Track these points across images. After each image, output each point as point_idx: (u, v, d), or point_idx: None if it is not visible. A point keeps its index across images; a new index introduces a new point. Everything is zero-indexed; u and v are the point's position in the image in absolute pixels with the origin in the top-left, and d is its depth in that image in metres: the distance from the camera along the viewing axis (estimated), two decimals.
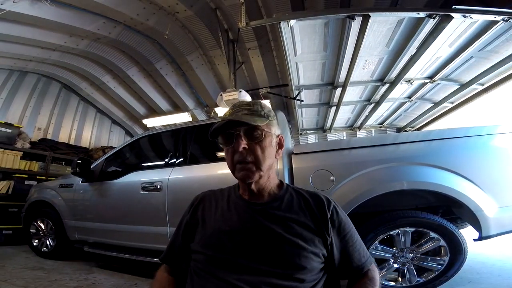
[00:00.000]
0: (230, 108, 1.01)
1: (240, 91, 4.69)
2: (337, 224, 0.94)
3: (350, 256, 0.94)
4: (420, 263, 2.17)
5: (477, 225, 2.01)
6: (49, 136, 6.51)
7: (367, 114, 5.86)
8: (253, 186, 0.95)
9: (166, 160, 2.96)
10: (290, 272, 0.84)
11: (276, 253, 0.86)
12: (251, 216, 0.94)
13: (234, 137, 0.92)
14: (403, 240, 2.14)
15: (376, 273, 0.95)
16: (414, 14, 2.82)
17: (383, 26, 3.04)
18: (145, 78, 6.41)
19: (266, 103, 5.73)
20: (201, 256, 0.92)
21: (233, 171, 0.95)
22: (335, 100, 5.00)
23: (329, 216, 0.93)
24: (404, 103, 5.29)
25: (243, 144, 0.90)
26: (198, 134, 2.93)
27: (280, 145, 1.02)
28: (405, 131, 6.63)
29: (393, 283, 2.21)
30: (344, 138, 7.04)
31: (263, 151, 0.92)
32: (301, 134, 7.14)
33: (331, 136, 7.25)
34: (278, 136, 1.01)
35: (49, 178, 5.24)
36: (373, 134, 6.94)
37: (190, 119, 7.09)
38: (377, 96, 4.93)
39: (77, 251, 3.35)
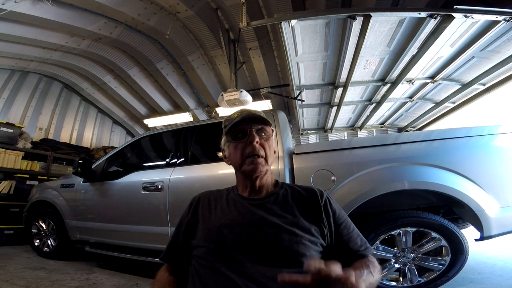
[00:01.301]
0: (237, 112, 1.08)
1: (241, 91, 4.69)
2: (331, 214, 0.99)
3: (347, 244, 0.97)
4: (421, 263, 2.17)
5: (478, 225, 2.01)
6: (50, 136, 6.53)
7: (368, 114, 5.85)
8: (258, 181, 1.02)
9: (167, 160, 2.97)
10: (290, 260, 0.87)
11: (275, 242, 0.89)
12: (249, 210, 0.99)
13: (248, 132, 1.01)
14: (404, 240, 2.14)
15: (375, 262, 0.96)
16: (415, 14, 2.81)
17: (384, 26, 3.03)
18: (146, 78, 6.42)
19: (267, 103, 5.77)
20: (203, 249, 0.95)
21: (241, 165, 1.01)
22: (336, 100, 4.99)
23: (322, 206, 0.98)
24: (405, 103, 5.29)
25: (257, 138, 0.99)
26: (199, 134, 2.94)
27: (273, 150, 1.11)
28: (407, 131, 6.62)
29: (394, 283, 2.21)
30: (345, 138, 7.04)
31: (270, 149, 1.03)
32: (302, 134, 7.14)
33: (332, 136, 7.25)
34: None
35: (50, 178, 5.26)
36: (374, 134, 6.93)
37: (191, 119, 7.10)
38: (378, 96, 4.92)
39: (78, 251, 3.36)
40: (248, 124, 1.02)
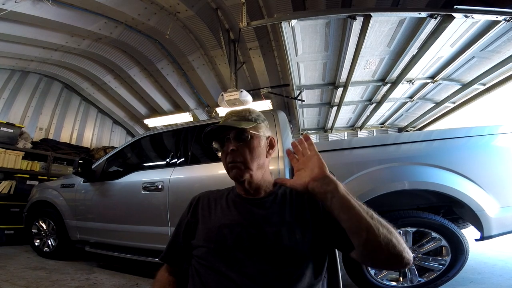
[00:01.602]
0: (223, 117, 1.09)
1: (241, 91, 4.69)
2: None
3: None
4: (421, 263, 2.17)
5: (478, 225, 2.01)
6: (50, 136, 6.53)
7: (368, 114, 5.85)
8: (246, 184, 1.01)
9: (167, 160, 2.97)
10: (290, 259, 0.86)
11: (275, 241, 0.89)
12: (249, 210, 0.99)
13: (225, 141, 1.01)
14: (404, 240, 2.13)
15: None
16: (415, 14, 2.81)
17: (384, 26, 3.03)
18: (146, 78, 6.42)
19: (268, 103, 5.76)
20: (203, 249, 0.95)
21: (227, 172, 1.02)
22: (336, 100, 4.99)
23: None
24: (405, 103, 5.28)
25: (232, 146, 0.99)
26: (199, 134, 2.93)
27: (271, 145, 1.09)
28: (407, 131, 6.62)
29: (394, 283, 2.21)
30: (345, 138, 7.04)
31: (251, 152, 1.00)
32: (302, 134, 7.13)
33: (332, 136, 7.26)
34: (268, 137, 1.08)
35: (50, 178, 5.27)
36: (374, 134, 6.93)
37: (191, 119, 7.10)
38: (379, 96, 4.92)
39: (78, 251, 3.36)
40: (226, 132, 1.02)
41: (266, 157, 1.06)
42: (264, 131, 1.07)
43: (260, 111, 1.15)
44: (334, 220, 0.84)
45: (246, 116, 1.05)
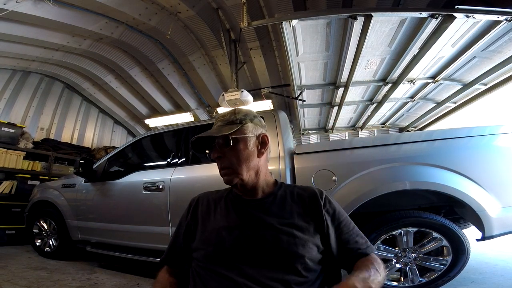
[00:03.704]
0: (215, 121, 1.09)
1: (242, 91, 4.69)
2: (331, 212, 0.97)
3: (347, 243, 0.95)
4: (422, 263, 2.16)
5: (480, 225, 2.01)
6: (51, 136, 6.53)
7: (369, 114, 5.85)
8: (239, 187, 1.01)
9: (168, 160, 2.97)
10: (289, 261, 0.86)
11: (273, 243, 0.89)
12: (247, 211, 0.98)
13: (213, 148, 1.01)
14: (405, 240, 2.13)
15: (378, 259, 0.94)
16: (416, 14, 2.81)
17: (385, 26, 3.03)
18: (147, 78, 6.43)
19: (268, 103, 5.75)
20: (202, 252, 0.95)
21: (221, 177, 1.02)
22: (337, 100, 5.00)
23: (322, 205, 0.97)
24: (406, 103, 5.29)
25: (216, 154, 0.99)
26: None
27: (263, 143, 1.04)
28: (408, 131, 6.62)
29: (395, 283, 2.21)
30: (346, 138, 7.04)
31: (237, 156, 0.98)
32: (303, 134, 7.14)
33: (333, 136, 7.25)
34: (259, 135, 1.04)
35: (51, 178, 5.27)
36: (375, 134, 6.93)
37: (192, 119, 7.10)
38: (380, 96, 4.92)
39: (79, 251, 3.37)
40: (213, 139, 1.01)
41: (258, 156, 1.02)
42: (253, 130, 1.02)
43: (260, 111, 1.14)
44: (335, 236, 0.94)
45: (231, 119, 1.02)
